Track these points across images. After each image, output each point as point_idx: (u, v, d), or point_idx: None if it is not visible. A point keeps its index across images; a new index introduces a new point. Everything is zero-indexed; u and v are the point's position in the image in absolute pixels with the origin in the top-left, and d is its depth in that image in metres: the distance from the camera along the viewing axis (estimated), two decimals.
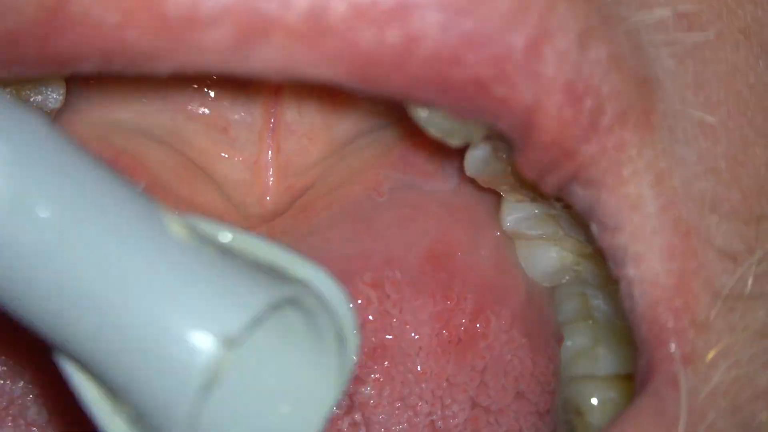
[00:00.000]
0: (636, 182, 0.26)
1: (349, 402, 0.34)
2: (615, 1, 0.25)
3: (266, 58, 0.21)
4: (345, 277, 0.32)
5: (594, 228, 0.27)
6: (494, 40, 0.21)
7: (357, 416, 0.34)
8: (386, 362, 0.34)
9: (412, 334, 0.34)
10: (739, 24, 0.28)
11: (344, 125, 0.37)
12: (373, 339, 0.34)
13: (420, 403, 0.34)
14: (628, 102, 0.25)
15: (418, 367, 0.34)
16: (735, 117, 0.27)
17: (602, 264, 0.28)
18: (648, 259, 0.26)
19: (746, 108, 0.28)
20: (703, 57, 0.27)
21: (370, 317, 0.34)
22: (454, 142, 0.28)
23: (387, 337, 0.34)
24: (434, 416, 0.34)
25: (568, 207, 0.29)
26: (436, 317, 0.35)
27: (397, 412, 0.34)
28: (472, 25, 0.21)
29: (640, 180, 0.26)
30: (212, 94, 0.35)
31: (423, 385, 0.34)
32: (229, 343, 0.20)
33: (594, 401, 0.36)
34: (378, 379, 0.34)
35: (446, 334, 0.35)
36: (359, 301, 0.34)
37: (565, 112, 0.23)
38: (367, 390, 0.34)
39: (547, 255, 0.36)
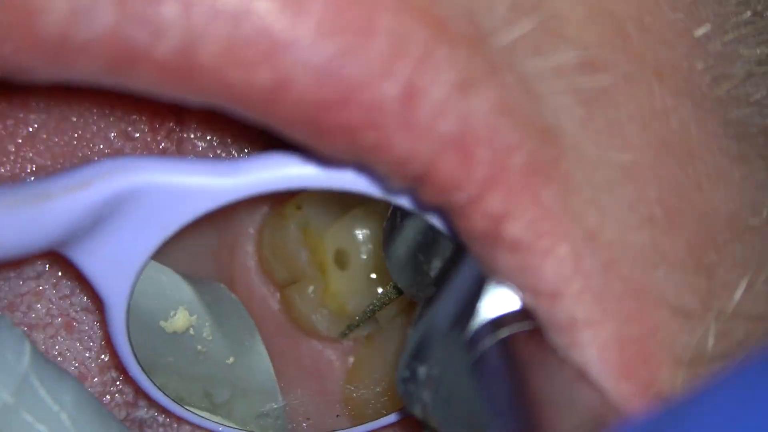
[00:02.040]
0: (568, 240, 0.24)
1: None
2: (507, 47, 0.23)
3: (139, 85, 0.21)
4: None
5: (527, 297, 0.24)
6: (366, 88, 0.21)
7: None
8: None
9: None
10: (650, 66, 0.25)
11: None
12: None
13: None
14: (530, 152, 0.23)
15: None
16: (662, 161, 0.25)
17: None
18: (598, 326, 0.24)
19: (672, 152, 0.26)
20: (614, 101, 0.25)
21: None
22: None
23: None
24: None
25: None
26: None
27: None
28: (344, 71, 0.20)
29: (572, 237, 0.24)
30: None
31: None
32: None
33: None
34: None
35: None
36: None
37: (450, 162, 0.22)
38: None
39: None
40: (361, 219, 0.36)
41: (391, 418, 0.34)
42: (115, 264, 0.26)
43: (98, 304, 0.30)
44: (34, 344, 0.28)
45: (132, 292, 0.27)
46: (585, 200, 0.24)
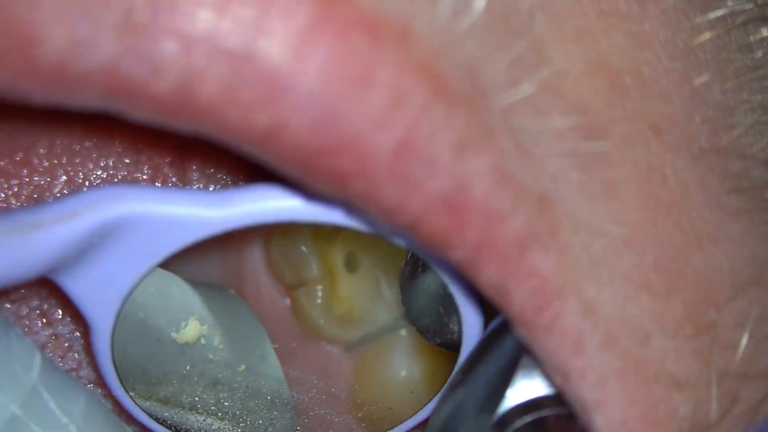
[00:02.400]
0: (568, 315, 0.23)
1: None
2: (505, 108, 0.22)
3: (136, 116, 0.21)
4: None
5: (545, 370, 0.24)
6: (360, 137, 0.20)
7: None
8: None
9: None
10: (647, 122, 0.24)
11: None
12: None
13: None
14: (525, 220, 0.22)
15: None
16: (658, 223, 0.25)
17: None
18: (607, 407, 0.24)
19: (669, 211, 0.25)
20: (610, 162, 0.24)
21: None
22: None
23: None
24: None
25: None
26: None
27: None
28: (340, 120, 0.20)
29: (572, 312, 0.23)
30: None
31: None
32: None
33: None
34: None
35: None
36: None
37: (440, 221, 0.22)
38: None
39: None
40: None
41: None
42: (102, 291, 0.27)
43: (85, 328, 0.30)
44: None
45: (117, 318, 0.27)
46: (583, 272, 0.23)
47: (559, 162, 0.23)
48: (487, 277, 0.23)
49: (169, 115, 0.21)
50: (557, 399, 0.25)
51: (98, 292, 0.27)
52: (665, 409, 0.25)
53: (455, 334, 0.30)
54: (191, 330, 0.34)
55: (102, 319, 0.27)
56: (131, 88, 0.20)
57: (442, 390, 0.29)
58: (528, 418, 0.25)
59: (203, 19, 0.19)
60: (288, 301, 0.38)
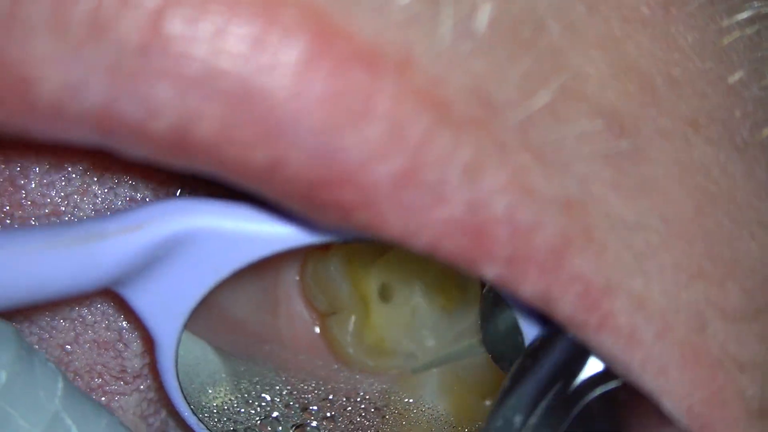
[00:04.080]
0: (617, 312, 0.23)
1: None
2: (521, 122, 0.22)
3: (133, 155, 0.21)
4: None
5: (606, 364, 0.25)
6: (361, 170, 0.20)
7: None
8: None
9: None
10: (684, 118, 0.24)
11: None
12: None
13: None
14: (555, 227, 0.22)
15: None
16: (707, 213, 0.25)
17: None
18: (672, 394, 0.24)
19: (717, 202, 0.25)
20: (647, 158, 0.24)
21: None
22: None
23: None
24: None
25: None
26: None
27: None
28: (339, 154, 0.20)
29: (620, 309, 0.23)
30: None
31: None
32: None
33: None
34: None
35: None
36: None
37: (459, 244, 0.21)
38: None
39: None
40: (408, 254, 0.36)
41: None
42: (167, 305, 0.26)
43: (149, 342, 0.30)
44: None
45: (182, 333, 0.27)
46: (627, 267, 0.23)
47: (589, 164, 0.23)
48: (529, 288, 0.22)
49: (165, 155, 0.21)
50: None
51: (163, 306, 0.26)
52: (731, 391, 0.25)
53: None
54: None
55: (166, 333, 0.27)
56: (127, 128, 0.20)
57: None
58: (601, 389, 0.25)
59: (197, 60, 0.19)
60: (319, 325, 0.38)
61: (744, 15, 0.25)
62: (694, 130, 0.24)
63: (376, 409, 0.37)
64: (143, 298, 0.26)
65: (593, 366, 0.25)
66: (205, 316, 0.34)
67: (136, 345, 0.32)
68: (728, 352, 0.25)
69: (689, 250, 0.24)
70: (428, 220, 0.21)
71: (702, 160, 0.25)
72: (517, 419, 0.26)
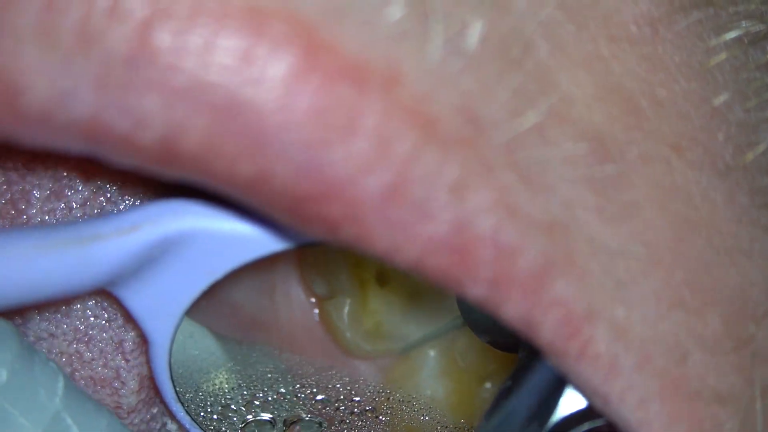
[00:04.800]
0: (598, 340, 0.23)
1: None
2: (508, 141, 0.22)
3: (122, 163, 0.21)
4: None
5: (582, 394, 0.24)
6: (347, 184, 0.20)
7: None
8: None
9: None
10: (667, 141, 0.24)
11: None
12: None
13: None
14: (538, 251, 0.22)
15: None
16: (686, 240, 0.24)
17: None
18: (651, 426, 0.24)
19: (697, 228, 0.24)
20: (630, 183, 0.23)
21: None
22: None
23: None
24: None
25: None
26: None
27: None
28: (325, 168, 0.20)
29: (601, 337, 0.23)
30: None
31: None
32: None
33: None
34: None
35: None
36: None
37: (443, 261, 0.21)
38: None
39: None
40: None
41: None
42: (161, 305, 0.26)
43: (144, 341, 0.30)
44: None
45: (176, 333, 0.27)
46: (609, 295, 0.23)
47: (573, 187, 0.23)
48: (511, 311, 0.22)
49: (153, 164, 0.21)
50: None
51: (157, 307, 0.26)
52: (710, 425, 0.24)
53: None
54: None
55: (160, 333, 0.27)
56: (114, 138, 0.20)
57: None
58: (583, 428, 0.25)
59: (184, 72, 0.19)
60: (318, 310, 0.38)
61: (732, 35, 0.25)
62: (677, 153, 0.24)
63: (374, 394, 0.37)
64: (137, 299, 0.26)
65: (570, 404, 0.25)
66: (204, 302, 0.35)
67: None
68: (708, 384, 0.24)
69: (670, 278, 0.24)
70: (414, 237, 0.21)
71: (684, 185, 0.24)
72: None
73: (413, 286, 0.37)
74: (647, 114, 0.24)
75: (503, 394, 0.26)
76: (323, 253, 0.37)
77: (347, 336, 0.37)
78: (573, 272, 0.22)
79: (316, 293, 0.38)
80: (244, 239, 0.25)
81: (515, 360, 0.27)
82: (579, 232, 0.23)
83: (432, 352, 0.37)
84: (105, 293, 0.27)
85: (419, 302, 0.37)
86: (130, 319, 0.30)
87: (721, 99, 0.25)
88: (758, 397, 0.25)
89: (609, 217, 0.23)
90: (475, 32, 0.21)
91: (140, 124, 0.19)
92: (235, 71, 0.19)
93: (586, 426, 0.25)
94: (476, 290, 0.22)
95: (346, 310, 0.37)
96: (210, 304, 0.36)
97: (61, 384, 0.26)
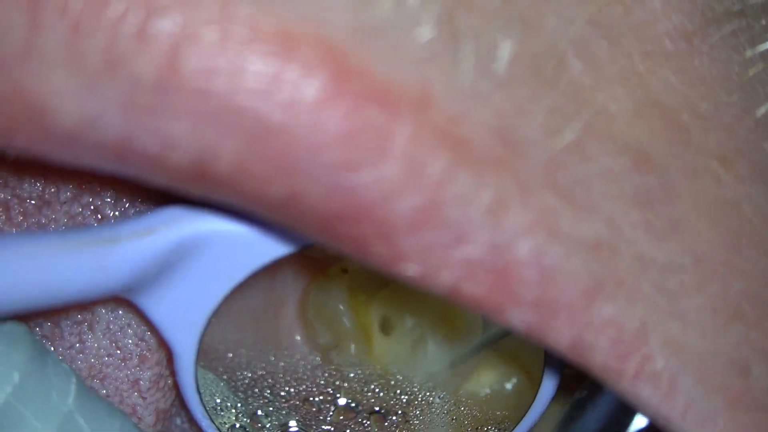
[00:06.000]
0: (654, 358, 0.22)
1: None
2: (546, 161, 0.21)
3: (152, 183, 0.21)
4: None
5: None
6: (378, 206, 0.20)
7: None
8: None
9: None
10: (713, 154, 0.24)
11: None
12: None
13: None
14: (586, 270, 0.21)
15: None
16: (741, 252, 0.24)
17: None
18: None
19: (750, 240, 0.24)
20: (677, 197, 0.23)
21: None
22: None
23: None
24: None
25: None
26: None
27: None
28: (357, 190, 0.20)
29: (657, 354, 0.22)
30: None
31: None
32: None
33: None
34: None
35: None
36: None
37: (481, 285, 0.21)
38: None
39: None
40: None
41: None
42: (183, 313, 0.26)
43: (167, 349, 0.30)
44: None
45: (201, 341, 0.27)
46: (662, 311, 0.23)
47: (617, 204, 0.22)
48: (558, 335, 0.22)
49: (184, 185, 0.21)
50: None
51: (179, 315, 0.26)
52: None
53: None
54: None
55: (184, 343, 0.27)
56: (144, 160, 0.20)
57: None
58: None
59: (214, 96, 0.19)
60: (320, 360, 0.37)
61: (767, 46, 0.25)
62: (723, 166, 0.24)
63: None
64: (158, 307, 0.26)
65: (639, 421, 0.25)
66: (212, 354, 0.35)
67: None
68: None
69: (726, 290, 0.24)
70: (449, 260, 0.21)
71: (733, 197, 0.24)
72: None
73: (418, 335, 0.36)
74: (689, 128, 0.23)
75: (577, 406, 0.26)
76: (326, 301, 0.36)
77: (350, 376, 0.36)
78: (622, 291, 0.22)
79: (319, 343, 0.37)
80: (262, 241, 0.25)
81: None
82: (626, 249, 0.22)
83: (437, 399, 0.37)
84: (121, 320, 0.28)
85: (424, 349, 0.36)
86: (144, 358, 0.30)
87: (763, 110, 0.25)
88: None
89: (656, 232, 0.23)
90: (505, 52, 0.21)
91: (170, 147, 0.19)
92: (265, 95, 0.19)
93: None
94: (520, 315, 0.21)
95: (351, 358, 0.37)
96: (217, 356, 0.36)
97: (73, 386, 0.26)
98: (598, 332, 0.22)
